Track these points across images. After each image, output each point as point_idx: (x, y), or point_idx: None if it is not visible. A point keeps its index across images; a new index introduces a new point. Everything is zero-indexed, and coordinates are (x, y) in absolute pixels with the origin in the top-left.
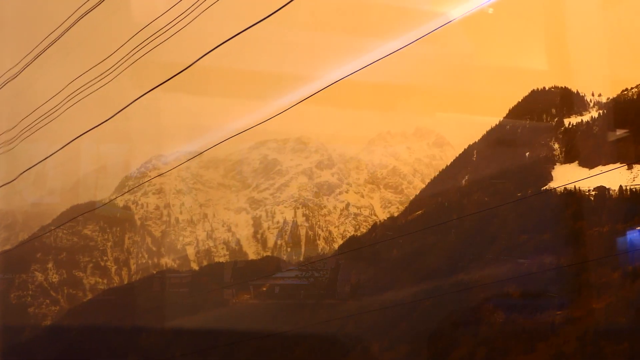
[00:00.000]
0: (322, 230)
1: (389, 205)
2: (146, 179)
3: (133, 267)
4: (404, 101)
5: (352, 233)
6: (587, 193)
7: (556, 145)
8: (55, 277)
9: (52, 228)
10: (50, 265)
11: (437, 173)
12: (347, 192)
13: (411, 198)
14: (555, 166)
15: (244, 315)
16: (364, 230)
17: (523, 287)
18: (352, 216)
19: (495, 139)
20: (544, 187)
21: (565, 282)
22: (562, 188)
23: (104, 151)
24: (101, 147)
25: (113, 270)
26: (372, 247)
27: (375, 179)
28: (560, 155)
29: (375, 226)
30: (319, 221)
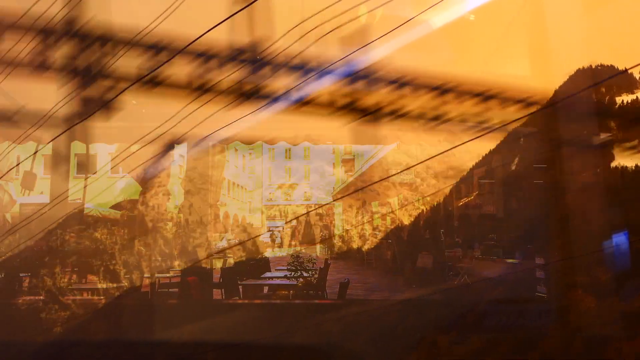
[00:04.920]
0: (338, 230)
1: (406, 202)
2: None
3: (146, 270)
4: (411, 100)
5: (371, 231)
6: None
7: (612, 124)
8: (63, 282)
9: (59, 232)
10: (58, 269)
11: (480, 159)
12: (362, 190)
13: (426, 194)
14: (614, 145)
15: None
16: (383, 228)
17: (612, 269)
18: (369, 214)
19: (543, 120)
20: (612, 165)
21: None
22: (633, 166)
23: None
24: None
25: (122, 273)
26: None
27: (390, 176)
28: (618, 134)
29: (420, 215)
30: (334, 220)
